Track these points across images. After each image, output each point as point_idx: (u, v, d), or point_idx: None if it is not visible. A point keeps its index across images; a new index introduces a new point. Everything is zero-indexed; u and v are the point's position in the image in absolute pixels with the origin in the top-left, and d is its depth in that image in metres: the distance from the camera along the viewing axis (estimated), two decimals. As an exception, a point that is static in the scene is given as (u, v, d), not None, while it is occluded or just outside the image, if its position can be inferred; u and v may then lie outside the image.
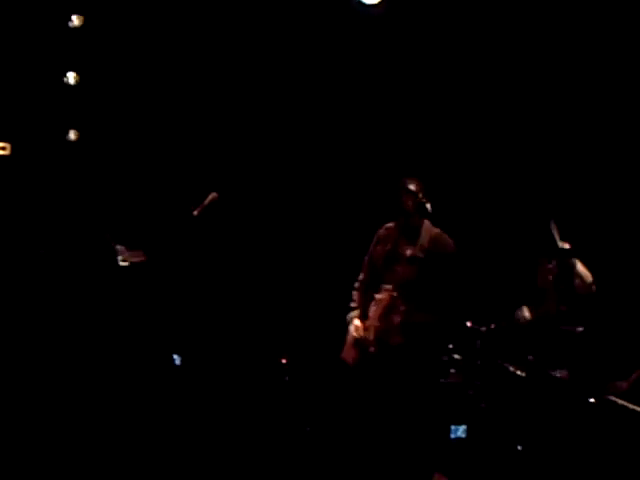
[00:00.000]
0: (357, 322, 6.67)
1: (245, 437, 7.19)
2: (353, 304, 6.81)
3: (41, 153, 8.93)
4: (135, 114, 9.22)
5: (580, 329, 7.43)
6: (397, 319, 6.41)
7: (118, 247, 7.99)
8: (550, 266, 7.50)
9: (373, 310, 6.58)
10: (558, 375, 7.30)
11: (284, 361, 8.19)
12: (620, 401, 6.99)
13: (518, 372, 7.43)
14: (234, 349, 8.40)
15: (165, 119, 9.24)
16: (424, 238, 6.51)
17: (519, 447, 7.10)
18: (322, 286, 8.97)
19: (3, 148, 8.85)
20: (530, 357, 7.44)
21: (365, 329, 6.58)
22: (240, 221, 9.18)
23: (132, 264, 8.05)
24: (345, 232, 9.00)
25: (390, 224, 6.75)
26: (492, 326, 7.61)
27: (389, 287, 6.51)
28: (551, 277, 7.41)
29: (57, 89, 8.99)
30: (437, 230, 6.59)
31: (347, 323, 6.77)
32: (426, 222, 6.58)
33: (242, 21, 9.31)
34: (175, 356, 7.88)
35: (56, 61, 8.96)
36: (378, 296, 6.57)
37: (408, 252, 6.53)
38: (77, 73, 9.00)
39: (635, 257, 8.35)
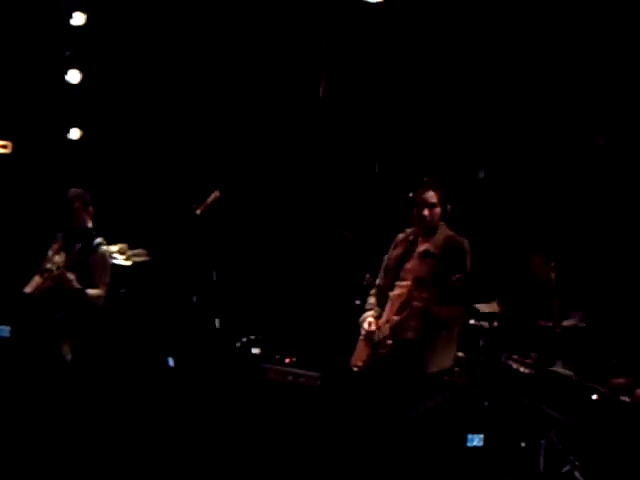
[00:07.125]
0: (370, 319, 6.64)
1: (243, 436, 7.16)
2: (368, 307, 6.78)
3: (42, 151, 8.94)
4: (137, 113, 9.22)
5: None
6: (414, 309, 6.38)
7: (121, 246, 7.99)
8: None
9: (389, 307, 6.56)
10: (560, 372, 7.30)
11: (287, 361, 8.17)
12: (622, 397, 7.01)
13: (521, 369, 7.43)
14: (236, 347, 8.39)
15: (167, 118, 9.24)
16: (438, 237, 6.56)
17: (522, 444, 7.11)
18: (325, 284, 8.97)
19: (4, 146, 8.86)
20: (533, 354, 7.46)
21: (379, 327, 6.56)
22: (243, 219, 9.19)
23: (135, 263, 8.06)
24: (349, 231, 8.97)
25: (409, 229, 6.77)
26: (495, 323, 7.61)
27: (404, 283, 6.51)
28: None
29: (58, 87, 9.00)
30: (451, 232, 6.64)
31: (359, 325, 6.72)
32: (442, 224, 6.63)
33: (247, 18, 9.32)
34: (169, 358, 7.83)
35: (57, 59, 8.97)
36: (392, 293, 6.56)
37: (421, 248, 6.57)
38: (79, 71, 9.02)
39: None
